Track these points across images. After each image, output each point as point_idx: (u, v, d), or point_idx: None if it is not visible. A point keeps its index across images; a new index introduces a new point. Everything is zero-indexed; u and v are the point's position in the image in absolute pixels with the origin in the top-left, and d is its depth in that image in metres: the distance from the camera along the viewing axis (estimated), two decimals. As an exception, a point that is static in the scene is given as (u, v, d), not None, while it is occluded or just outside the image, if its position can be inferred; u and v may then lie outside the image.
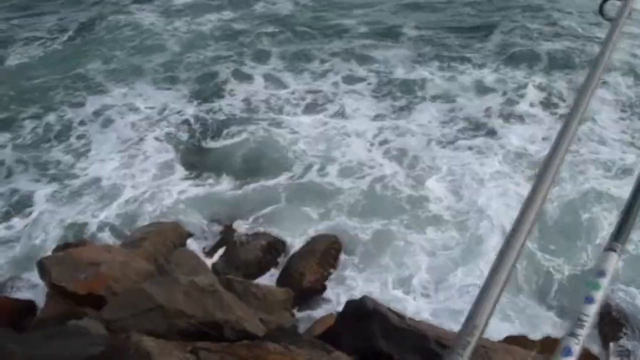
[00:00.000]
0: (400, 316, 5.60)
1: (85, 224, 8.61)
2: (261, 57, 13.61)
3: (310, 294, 7.42)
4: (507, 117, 10.77)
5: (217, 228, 8.68)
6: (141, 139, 10.78)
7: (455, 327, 5.93)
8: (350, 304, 5.51)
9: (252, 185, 9.49)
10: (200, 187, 9.56)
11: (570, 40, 13.31)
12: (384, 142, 10.31)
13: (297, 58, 13.40)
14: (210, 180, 9.73)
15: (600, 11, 1.87)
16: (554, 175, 1.32)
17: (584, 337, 1.12)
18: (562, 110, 10.62)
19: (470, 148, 9.96)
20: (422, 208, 8.63)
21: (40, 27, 15.67)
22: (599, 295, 1.18)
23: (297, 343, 4.32)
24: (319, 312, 6.95)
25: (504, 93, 11.52)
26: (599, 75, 1.62)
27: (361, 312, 5.43)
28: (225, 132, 10.95)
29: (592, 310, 1.16)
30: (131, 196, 9.26)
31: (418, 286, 7.51)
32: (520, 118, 10.72)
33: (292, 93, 12.09)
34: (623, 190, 8.49)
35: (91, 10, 16.66)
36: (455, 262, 7.68)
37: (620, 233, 1.29)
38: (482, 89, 11.71)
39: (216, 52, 13.86)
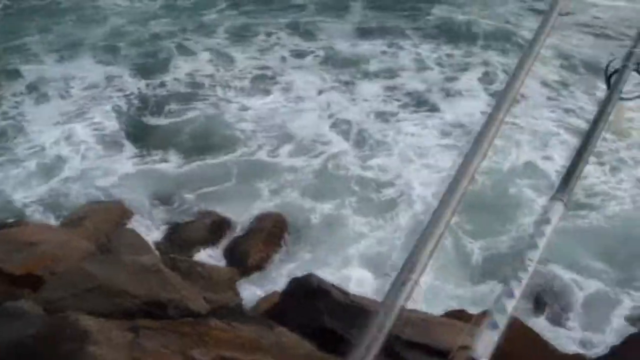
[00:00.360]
0: (344, 292, 5.69)
1: (22, 203, 8.31)
2: (206, 32, 13.35)
3: (256, 272, 7.44)
4: (447, 93, 11.01)
5: (162, 206, 8.55)
6: (81, 114, 10.43)
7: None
8: (294, 281, 5.56)
9: (199, 163, 9.38)
10: (145, 165, 9.38)
11: (508, 19, 13.66)
12: (331, 117, 10.40)
13: (243, 33, 13.23)
14: (156, 158, 9.55)
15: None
16: (486, 149, 1.36)
17: (527, 279, 1.16)
18: (499, 86, 10.92)
19: (414, 123, 10.15)
20: (370, 187, 8.76)
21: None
22: (542, 242, 1.22)
23: (240, 320, 4.35)
24: (264, 290, 6.99)
25: (444, 69, 11.76)
26: (534, 56, 1.67)
27: (306, 289, 5.49)
28: (170, 108, 10.73)
29: (535, 255, 1.20)
30: (71, 174, 8.99)
31: (363, 264, 7.64)
32: (460, 93, 10.99)
33: (239, 68, 11.95)
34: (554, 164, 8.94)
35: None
36: (400, 239, 7.85)
37: (565, 184, 1.35)
38: (423, 65, 11.92)
39: (159, 27, 13.48)
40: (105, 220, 7.95)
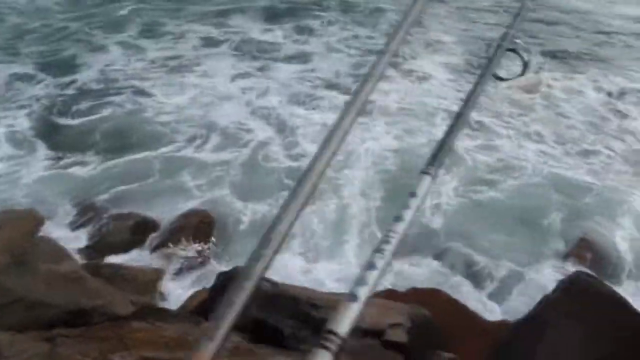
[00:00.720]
0: (273, 283, 5.66)
1: None
2: (115, 26, 12.99)
3: (184, 271, 7.28)
4: (359, 75, 11.19)
5: (81, 211, 8.21)
6: None
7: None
8: (221, 275, 5.48)
9: (118, 161, 9.08)
10: (60, 168, 8.98)
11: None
12: (250, 104, 10.38)
13: (153, 25, 12.97)
14: (71, 160, 9.16)
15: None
16: (356, 113, 1.36)
17: (391, 252, 1.16)
18: (410, 65, 11.33)
19: (329, 108, 10.25)
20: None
21: None
22: (407, 215, 1.24)
23: (165, 319, 4.23)
24: (192, 288, 6.85)
25: (353, 52, 11.92)
26: (396, 44, 1.64)
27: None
28: (83, 106, 10.33)
29: (400, 227, 1.21)
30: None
31: (294, 255, 7.63)
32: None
33: (152, 60, 11.67)
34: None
35: None
36: (330, 231, 7.89)
37: (434, 158, 1.38)
38: (332, 49, 12.09)
39: (63, 23, 12.94)
40: (19, 230, 7.52)
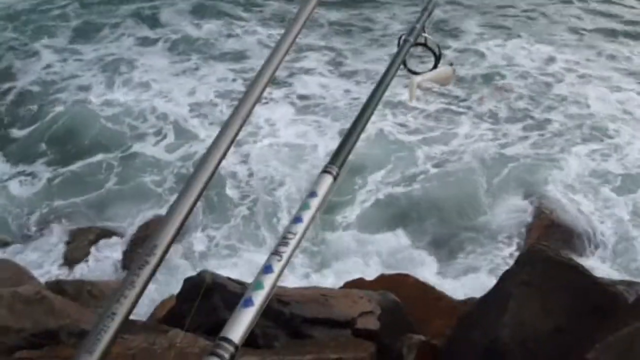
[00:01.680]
0: (240, 283, 5.64)
1: None
2: (46, 32, 12.77)
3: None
4: (293, 71, 11.38)
5: (39, 228, 8.02)
6: None
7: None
8: (187, 281, 5.43)
9: (72, 169, 8.92)
10: (12, 182, 8.72)
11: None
12: (191, 102, 10.27)
13: (87, 28, 12.83)
14: (21, 172, 8.93)
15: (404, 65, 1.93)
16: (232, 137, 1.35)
17: (289, 254, 1.15)
18: (346, 68, 11.46)
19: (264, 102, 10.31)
20: (235, 179, 8.76)
21: None
22: (307, 215, 1.20)
23: (131, 331, 4.18)
24: (161, 296, 6.78)
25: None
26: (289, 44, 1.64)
27: (200, 286, 5.38)
28: (26, 114, 10.13)
29: (299, 229, 1.18)
30: None
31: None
32: (305, 71, 11.45)
33: (89, 62, 11.55)
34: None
35: None
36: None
37: (336, 156, 1.34)
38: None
39: None
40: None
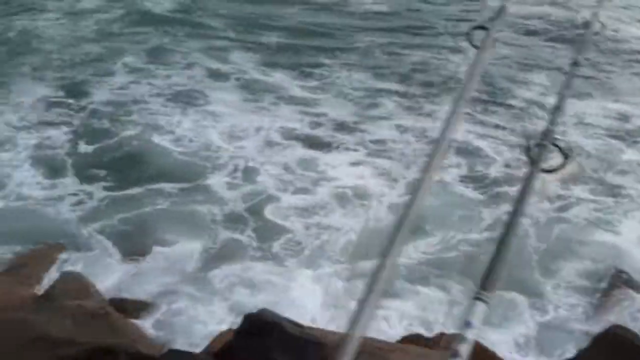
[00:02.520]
0: (298, 325, 5.61)
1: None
2: (123, 52, 13.48)
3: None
4: (366, 119, 11.39)
5: (109, 242, 8.19)
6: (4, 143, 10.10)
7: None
8: (247, 317, 5.44)
9: (130, 193, 9.04)
10: (71, 197, 8.99)
11: (434, 51, 14.17)
12: (264, 139, 10.50)
13: (160, 53, 13.51)
14: (81, 190, 9.14)
15: (468, 38, 1.93)
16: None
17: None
18: (422, 122, 11.28)
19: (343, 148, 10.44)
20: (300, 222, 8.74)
21: None
22: (464, 350, 1.12)
23: (190, 364, 4.20)
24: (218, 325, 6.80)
25: (363, 97, 12.13)
26: (465, 100, 1.65)
27: (259, 325, 5.38)
28: (94, 133, 10.53)
29: None
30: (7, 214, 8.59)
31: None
32: (381, 117, 11.42)
33: (161, 88, 12.02)
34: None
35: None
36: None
37: (488, 281, 1.26)
38: (342, 95, 12.20)
39: (86, 50, 13.59)
40: (47, 265, 7.65)
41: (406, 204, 1.44)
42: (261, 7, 16.99)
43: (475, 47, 1.94)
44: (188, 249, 8.09)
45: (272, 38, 14.84)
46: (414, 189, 1.46)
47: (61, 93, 11.80)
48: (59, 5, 16.16)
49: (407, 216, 1.27)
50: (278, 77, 12.84)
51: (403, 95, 12.45)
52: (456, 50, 13.83)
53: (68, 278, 7.18)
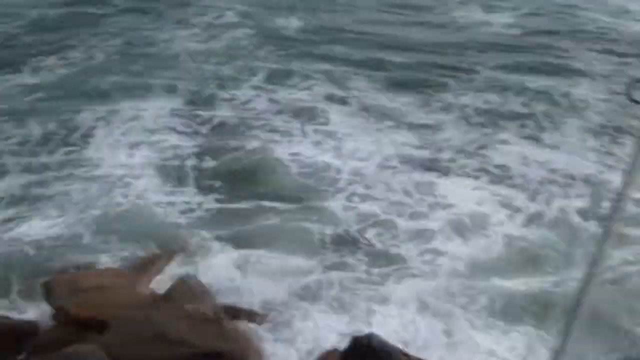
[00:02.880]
0: (405, 355, 5.52)
1: (88, 246, 8.48)
2: (248, 70, 14.14)
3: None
4: (488, 144, 11.14)
5: (230, 247, 8.47)
6: (136, 148, 10.83)
7: None
8: (355, 340, 5.43)
9: (245, 207, 9.32)
10: (213, 204, 9.38)
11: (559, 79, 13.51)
12: (388, 167, 10.43)
13: (281, 73, 14.02)
14: (219, 196, 9.53)
15: (628, 94, 1.81)
16: None
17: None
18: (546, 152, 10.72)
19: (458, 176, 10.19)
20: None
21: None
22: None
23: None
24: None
25: (486, 122, 11.95)
26: None
27: (365, 349, 5.35)
28: (217, 145, 10.95)
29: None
30: (136, 214, 9.12)
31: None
32: (503, 142, 11.17)
33: (282, 104, 12.47)
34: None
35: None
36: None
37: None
38: (464, 118, 12.00)
39: (213, 67, 14.32)
40: (165, 267, 8.05)
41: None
42: (386, 28, 17.16)
43: (636, 102, 1.80)
44: (298, 264, 8.19)
45: (396, 59, 14.97)
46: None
47: (190, 106, 12.54)
48: (202, 20, 17.52)
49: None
50: (400, 100, 12.93)
51: (526, 122, 12.03)
52: (580, 77, 13.19)
53: (185, 281, 7.54)
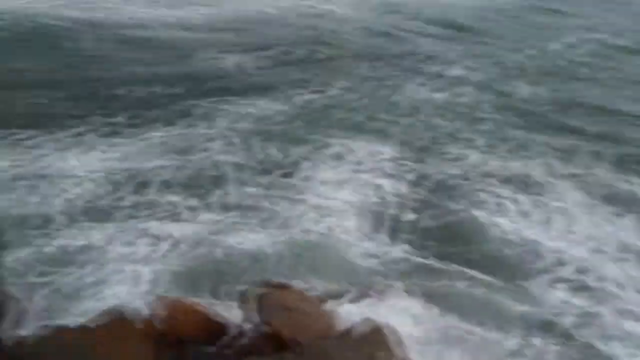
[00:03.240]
0: None
1: (282, 263, 8.78)
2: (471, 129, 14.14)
3: None
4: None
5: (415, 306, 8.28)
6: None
7: None
8: None
9: (460, 269, 9.01)
10: (406, 254, 9.31)
11: None
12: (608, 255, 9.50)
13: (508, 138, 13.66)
14: (420, 251, 9.41)
15: None
16: None
17: None
18: None
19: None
20: None
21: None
22: None
23: None
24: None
25: None
26: None
27: None
28: (426, 199, 10.94)
29: None
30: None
31: None
32: None
33: (492, 169, 12.13)
34: None
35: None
36: None
37: None
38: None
39: (436, 119, 14.46)
40: (351, 304, 8.08)
41: None
42: (625, 102, 15.70)
43: None
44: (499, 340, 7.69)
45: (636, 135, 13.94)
46: None
47: (403, 154, 12.73)
48: (433, 70, 18.01)
49: None
50: (636, 182, 11.82)
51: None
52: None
53: (368, 324, 7.47)
